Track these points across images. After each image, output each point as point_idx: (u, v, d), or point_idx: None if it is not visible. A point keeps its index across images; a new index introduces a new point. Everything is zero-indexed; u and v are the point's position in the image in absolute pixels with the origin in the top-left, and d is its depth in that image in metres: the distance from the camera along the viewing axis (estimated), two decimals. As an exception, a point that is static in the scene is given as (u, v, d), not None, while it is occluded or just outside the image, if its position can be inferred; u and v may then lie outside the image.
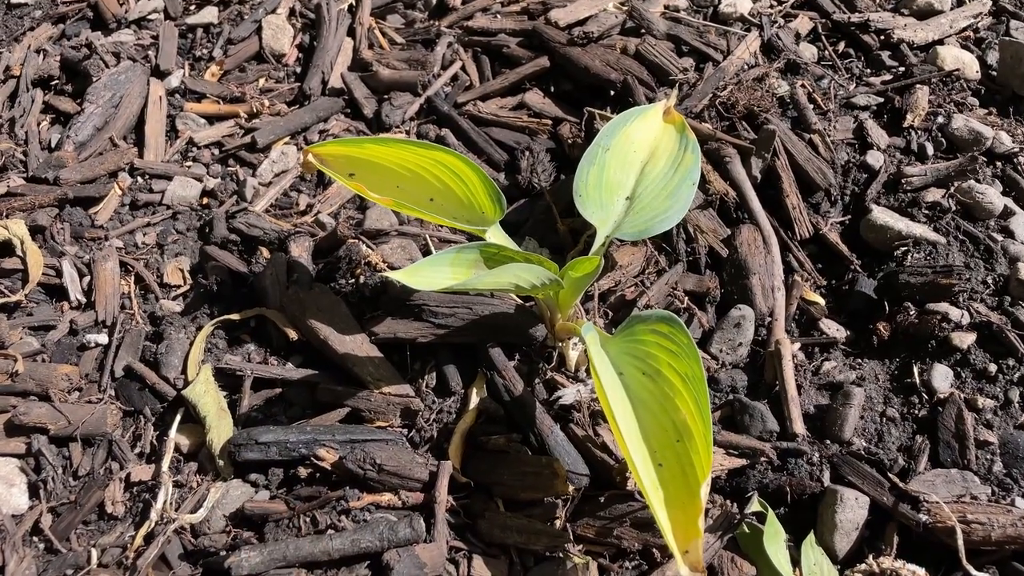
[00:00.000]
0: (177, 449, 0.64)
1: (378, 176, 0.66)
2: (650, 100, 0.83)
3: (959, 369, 0.65)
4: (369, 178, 0.66)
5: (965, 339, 0.65)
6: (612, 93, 0.85)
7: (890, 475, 0.60)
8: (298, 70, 0.96)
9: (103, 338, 0.71)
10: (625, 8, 0.92)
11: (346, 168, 0.66)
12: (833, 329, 0.72)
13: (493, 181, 0.65)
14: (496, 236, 0.67)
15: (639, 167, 0.72)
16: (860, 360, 0.69)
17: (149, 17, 1.01)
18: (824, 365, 0.69)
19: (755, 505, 0.59)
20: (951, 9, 0.93)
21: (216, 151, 0.88)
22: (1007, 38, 0.87)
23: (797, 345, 0.70)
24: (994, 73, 0.87)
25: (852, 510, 0.58)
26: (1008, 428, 0.62)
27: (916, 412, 0.64)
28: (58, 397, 0.67)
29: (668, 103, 0.76)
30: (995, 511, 0.57)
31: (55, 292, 0.76)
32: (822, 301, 0.73)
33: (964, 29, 0.91)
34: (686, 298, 0.73)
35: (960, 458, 0.61)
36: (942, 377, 0.64)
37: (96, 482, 0.63)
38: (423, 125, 0.88)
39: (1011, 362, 0.64)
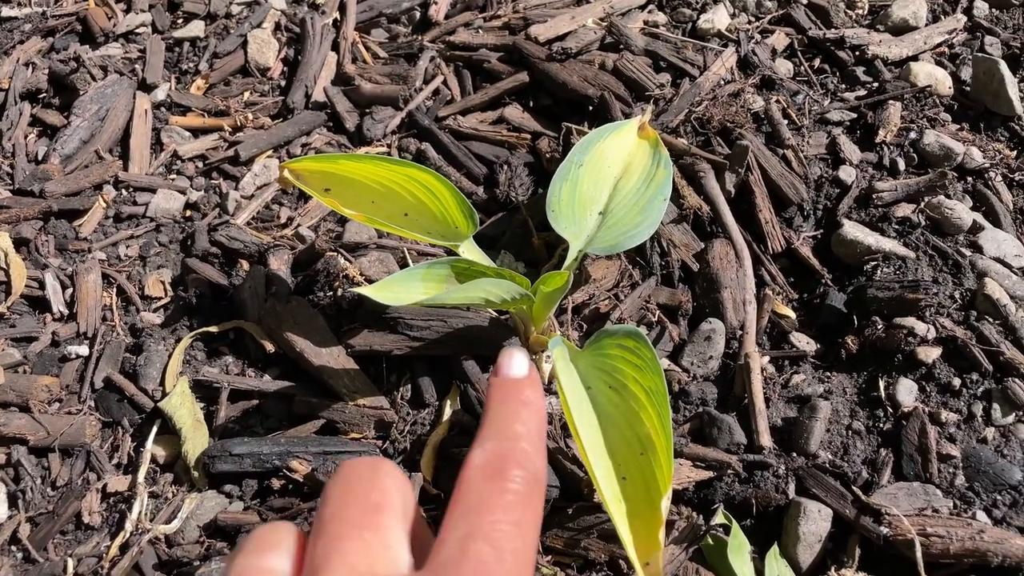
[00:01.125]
0: (153, 460, 0.65)
1: (353, 192, 0.68)
2: (626, 115, 0.84)
3: (924, 383, 0.66)
4: (344, 193, 0.68)
5: (931, 353, 0.66)
6: (590, 108, 0.86)
7: (854, 488, 0.61)
8: (283, 83, 0.97)
9: (84, 350, 0.72)
10: (604, 24, 0.94)
11: (322, 184, 0.68)
12: (803, 342, 0.73)
13: (466, 197, 0.66)
14: (469, 250, 0.68)
15: (612, 183, 0.74)
16: (829, 373, 0.70)
17: (137, 31, 1.03)
18: (793, 378, 0.70)
19: (720, 517, 0.61)
20: (926, 25, 0.94)
21: (200, 164, 0.90)
22: (980, 54, 0.88)
23: (767, 358, 0.71)
24: (968, 89, 0.88)
25: (815, 522, 0.59)
26: (971, 442, 0.63)
27: (881, 425, 0.65)
28: (38, 408, 0.68)
29: (643, 119, 0.77)
30: (955, 524, 0.57)
31: (38, 304, 0.77)
32: (793, 315, 0.74)
33: (939, 45, 0.92)
34: (658, 311, 0.74)
35: (923, 471, 0.62)
36: (907, 391, 0.65)
37: (74, 492, 0.64)
38: (404, 139, 0.89)
39: (975, 376, 0.65)
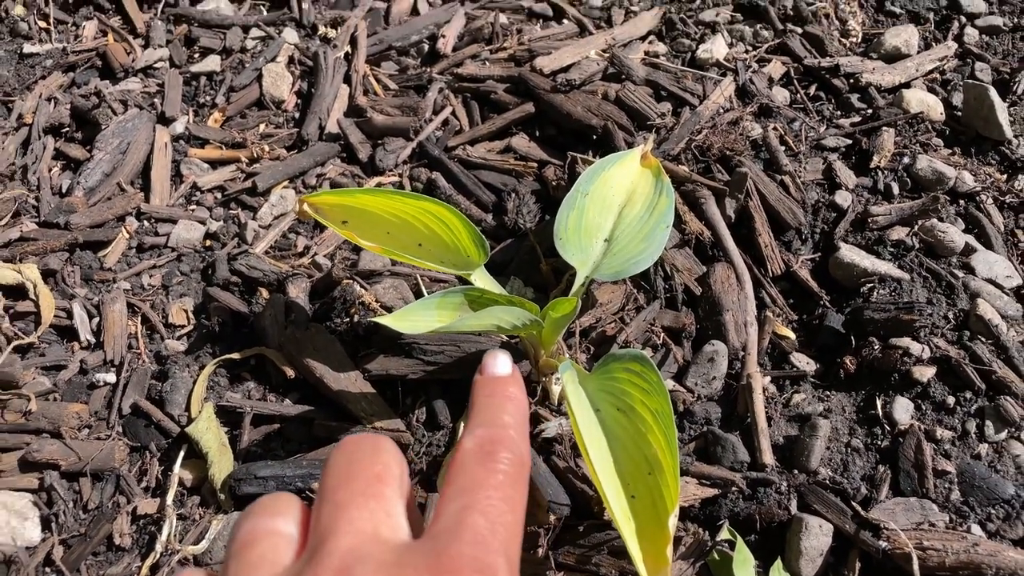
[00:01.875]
0: (181, 483, 0.68)
1: (369, 223, 0.71)
2: (629, 144, 0.87)
3: (919, 401, 0.69)
4: (361, 225, 0.71)
5: (925, 372, 0.69)
6: (594, 137, 0.89)
7: (853, 503, 0.63)
8: (297, 116, 1.01)
9: (111, 377, 0.75)
10: (607, 55, 0.97)
11: (339, 216, 0.71)
12: (803, 362, 0.75)
13: (476, 228, 0.69)
14: (481, 278, 0.71)
15: (617, 210, 0.77)
16: (828, 392, 0.73)
17: (155, 66, 1.06)
18: (794, 397, 0.72)
19: (725, 533, 0.63)
20: (918, 53, 0.97)
21: (219, 195, 0.93)
22: (971, 81, 0.91)
23: (768, 379, 0.74)
24: (959, 114, 0.91)
25: (817, 537, 0.62)
26: (965, 458, 0.65)
27: (879, 443, 0.67)
28: (69, 434, 0.71)
29: (645, 148, 0.80)
30: (950, 538, 0.60)
31: (66, 333, 0.80)
32: (793, 336, 0.77)
33: (930, 72, 0.95)
34: (663, 334, 0.76)
35: (919, 487, 0.64)
36: (903, 409, 0.68)
37: (105, 515, 0.67)
38: (415, 168, 0.92)
39: (968, 395, 0.68)
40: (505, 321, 0.64)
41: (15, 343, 0.76)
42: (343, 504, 0.33)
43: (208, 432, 0.68)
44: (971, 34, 1.00)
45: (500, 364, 0.49)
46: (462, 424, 0.70)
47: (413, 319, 0.61)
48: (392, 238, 0.71)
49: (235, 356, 0.76)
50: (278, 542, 0.33)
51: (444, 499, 0.35)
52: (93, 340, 0.79)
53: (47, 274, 0.83)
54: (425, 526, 0.35)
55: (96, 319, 0.80)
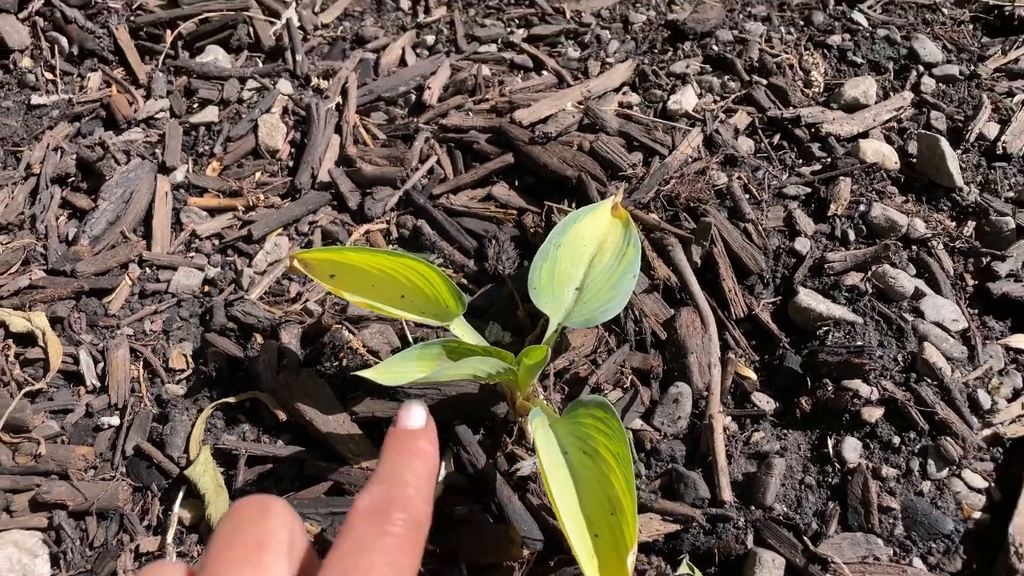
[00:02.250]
0: (180, 522, 0.73)
1: (356, 277, 0.76)
2: (602, 194, 0.93)
3: (868, 441, 0.74)
4: (348, 278, 0.76)
5: (874, 413, 0.74)
6: (570, 187, 0.95)
7: (804, 538, 0.68)
8: (291, 164, 1.07)
9: (115, 420, 0.81)
10: (582, 107, 1.03)
11: (328, 271, 0.76)
12: (763, 402, 0.80)
13: (453, 282, 0.74)
14: (459, 328, 0.76)
15: (588, 260, 0.82)
16: (785, 431, 0.78)
17: (156, 116, 1.12)
18: (754, 435, 0.78)
19: (684, 567, 0.68)
20: (876, 103, 1.03)
21: (216, 242, 0.98)
22: (923, 131, 0.97)
23: (729, 418, 0.79)
24: (914, 161, 0.97)
25: (770, 571, 0.67)
26: (909, 495, 0.70)
27: (830, 480, 0.72)
28: (76, 476, 0.76)
29: (616, 199, 0.86)
30: (891, 570, 0.65)
31: (73, 378, 0.85)
32: (754, 376, 0.82)
33: (887, 121, 1.01)
34: (632, 375, 0.82)
35: (865, 522, 0.69)
36: (852, 448, 0.73)
37: (109, 552, 0.71)
38: (402, 216, 0.98)
39: (912, 435, 0.73)
40: (480, 370, 0.69)
41: (26, 389, 0.81)
42: (218, 573, 0.33)
43: (205, 475, 0.73)
44: (928, 83, 1.06)
45: (414, 417, 0.47)
46: (442, 465, 0.75)
47: (394, 371, 0.67)
48: (376, 291, 0.76)
49: (231, 400, 0.81)
50: None
51: (327, 564, 0.34)
52: (98, 384, 0.84)
53: (55, 321, 0.89)
54: None
55: (101, 364, 0.85)
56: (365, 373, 0.64)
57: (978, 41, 1.15)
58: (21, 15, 1.24)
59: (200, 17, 1.22)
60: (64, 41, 1.21)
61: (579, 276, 0.81)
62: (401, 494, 0.38)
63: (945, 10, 1.19)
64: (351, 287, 0.75)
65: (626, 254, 0.81)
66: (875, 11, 1.19)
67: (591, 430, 0.66)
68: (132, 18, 1.24)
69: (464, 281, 0.93)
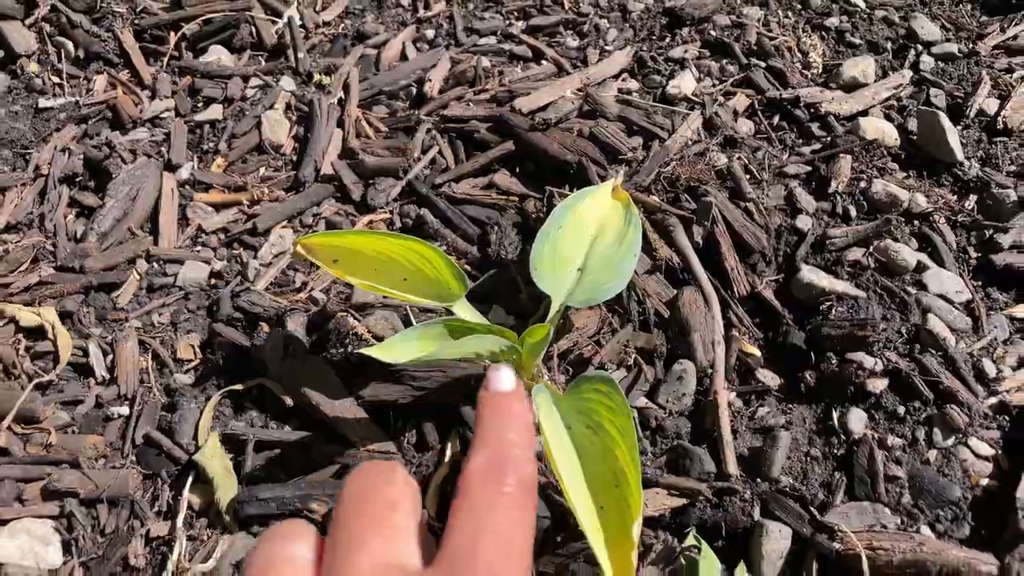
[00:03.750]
0: (190, 507, 0.73)
1: (358, 261, 0.77)
2: (602, 178, 0.93)
3: (873, 412, 0.74)
4: (350, 263, 0.77)
5: (878, 384, 0.74)
6: (570, 171, 0.95)
7: (811, 508, 0.68)
8: (294, 158, 1.08)
9: (125, 410, 0.81)
10: (582, 94, 1.03)
11: (331, 255, 0.77)
12: (768, 378, 0.80)
13: (455, 263, 0.75)
14: (462, 309, 0.76)
15: (589, 242, 0.82)
16: (790, 405, 0.78)
17: (162, 116, 1.13)
18: (759, 411, 0.78)
19: (691, 540, 0.68)
20: (875, 81, 1.03)
21: (222, 235, 0.99)
22: (924, 107, 0.97)
23: (734, 394, 0.79)
24: (915, 138, 0.97)
25: (777, 541, 0.67)
26: (915, 464, 0.70)
27: (836, 451, 0.72)
28: (87, 464, 0.77)
29: (616, 181, 0.86)
30: (899, 538, 0.65)
31: (83, 370, 0.86)
32: (758, 352, 0.82)
33: (887, 99, 1.01)
34: (636, 354, 0.82)
35: (872, 492, 0.69)
36: (857, 419, 0.73)
37: (120, 539, 0.72)
38: (405, 206, 0.98)
39: (918, 404, 0.72)
40: (484, 348, 0.70)
41: (36, 380, 0.82)
42: (357, 531, 0.34)
43: (214, 459, 0.74)
44: (927, 61, 1.06)
45: (504, 379, 0.48)
46: (448, 446, 0.76)
47: (397, 349, 0.67)
48: (379, 274, 0.77)
49: (238, 387, 0.81)
50: (295, 568, 0.34)
51: (454, 522, 0.35)
52: (108, 376, 0.85)
53: (64, 315, 0.90)
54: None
55: (110, 356, 0.86)
56: (368, 351, 0.65)
57: (976, 20, 1.15)
58: (27, 21, 1.25)
59: (203, 18, 1.23)
60: (70, 45, 1.23)
61: (580, 257, 0.81)
62: (509, 454, 0.39)
63: (943, -10, 1.19)
64: (354, 272, 0.76)
65: (627, 235, 0.81)
66: (873, -7, 1.20)
67: (594, 404, 0.66)
68: (136, 21, 1.26)
69: (468, 268, 0.93)
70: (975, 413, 0.71)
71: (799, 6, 1.17)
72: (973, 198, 0.90)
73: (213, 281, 0.95)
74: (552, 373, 0.81)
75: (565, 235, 0.81)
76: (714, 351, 0.81)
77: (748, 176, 0.93)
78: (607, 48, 1.14)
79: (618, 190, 0.85)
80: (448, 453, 0.75)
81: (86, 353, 0.86)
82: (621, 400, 0.64)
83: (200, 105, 1.15)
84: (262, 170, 1.06)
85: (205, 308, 0.92)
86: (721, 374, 0.79)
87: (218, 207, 1.03)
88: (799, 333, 0.82)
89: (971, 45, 1.08)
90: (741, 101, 1.02)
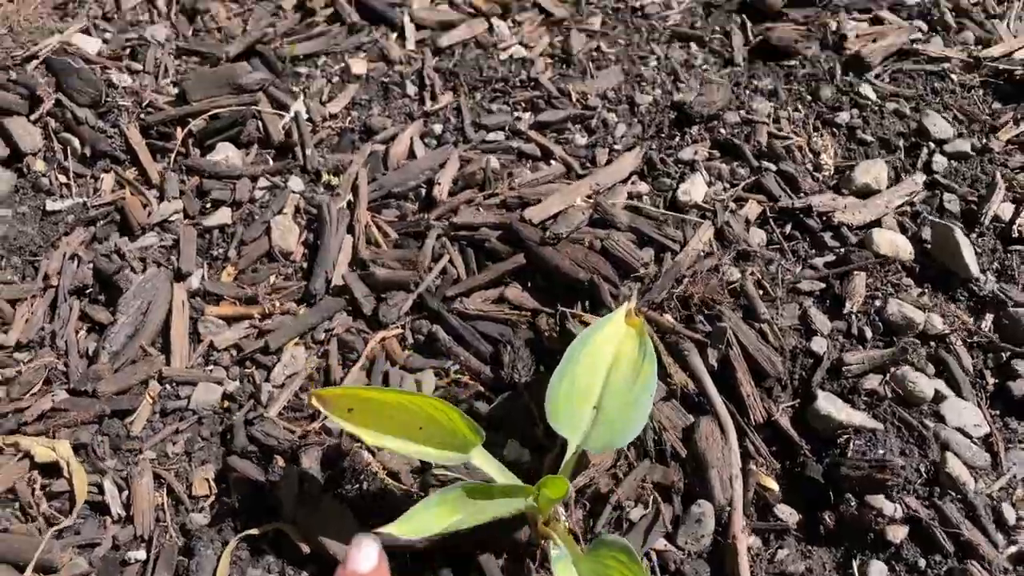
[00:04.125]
0: (209, 667, 0.73)
1: (373, 410, 0.77)
2: (614, 296, 0.93)
3: (894, 563, 0.73)
4: (365, 412, 0.77)
5: (898, 533, 0.74)
6: (582, 288, 0.95)
7: (834, 671, 0.68)
8: (304, 266, 1.07)
9: (142, 554, 0.81)
10: (591, 201, 1.03)
11: (345, 405, 0.77)
12: (787, 514, 0.80)
13: (471, 417, 0.75)
14: (479, 458, 0.76)
15: (604, 373, 0.82)
16: (810, 547, 0.77)
17: (170, 219, 1.13)
18: (778, 553, 0.77)
19: None
20: (888, 187, 1.02)
21: (234, 353, 0.99)
22: (937, 220, 0.96)
23: (753, 535, 0.78)
24: (928, 247, 0.96)
25: None
26: (938, 621, 0.70)
27: (857, 605, 0.72)
28: (105, 617, 0.77)
29: (630, 306, 0.86)
30: None
31: (98, 507, 0.86)
32: (776, 487, 0.82)
33: (901, 206, 1.00)
34: (653, 491, 0.81)
35: (895, 653, 0.68)
36: (878, 572, 0.73)
37: None
38: (416, 321, 0.98)
39: (938, 558, 0.72)
40: (502, 512, 0.70)
41: (54, 528, 0.82)
42: None
43: (233, 618, 0.74)
44: (939, 161, 1.05)
45: (364, 558, 0.45)
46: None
47: (416, 523, 0.67)
48: (394, 421, 0.77)
49: (254, 532, 0.81)
50: None
51: None
52: (123, 514, 0.85)
53: (78, 448, 0.90)
54: None
55: (125, 492, 0.86)
56: (386, 528, 0.64)
57: (988, 107, 1.14)
58: (32, 116, 1.25)
59: (209, 113, 1.23)
60: (76, 142, 1.23)
61: (596, 392, 0.81)
62: None
63: (954, 76, 1.18)
64: (368, 420, 0.76)
65: (643, 370, 0.81)
66: (883, 81, 1.18)
67: (614, 572, 0.66)
68: (142, 116, 1.26)
69: (481, 388, 0.93)
70: (995, 568, 0.71)
71: (809, 97, 1.17)
72: (989, 317, 0.90)
73: (226, 403, 0.95)
74: (569, 511, 0.81)
75: (582, 369, 0.81)
76: (732, 487, 0.81)
77: (762, 293, 0.92)
78: (616, 147, 1.14)
79: (631, 315, 0.85)
80: (467, 605, 0.75)
81: (101, 490, 0.86)
82: (639, 570, 0.65)
83: (209, 207, 1.15)
84: (272, 279, 1.06)
85: (219, 435, 0.92)
86: (739, 513, 0.79)
87: (229, 320, 1.03)
88: (816, 466, 0.82)
89: (984, 140, 1.08)
90: (753, 209, 1.02)
